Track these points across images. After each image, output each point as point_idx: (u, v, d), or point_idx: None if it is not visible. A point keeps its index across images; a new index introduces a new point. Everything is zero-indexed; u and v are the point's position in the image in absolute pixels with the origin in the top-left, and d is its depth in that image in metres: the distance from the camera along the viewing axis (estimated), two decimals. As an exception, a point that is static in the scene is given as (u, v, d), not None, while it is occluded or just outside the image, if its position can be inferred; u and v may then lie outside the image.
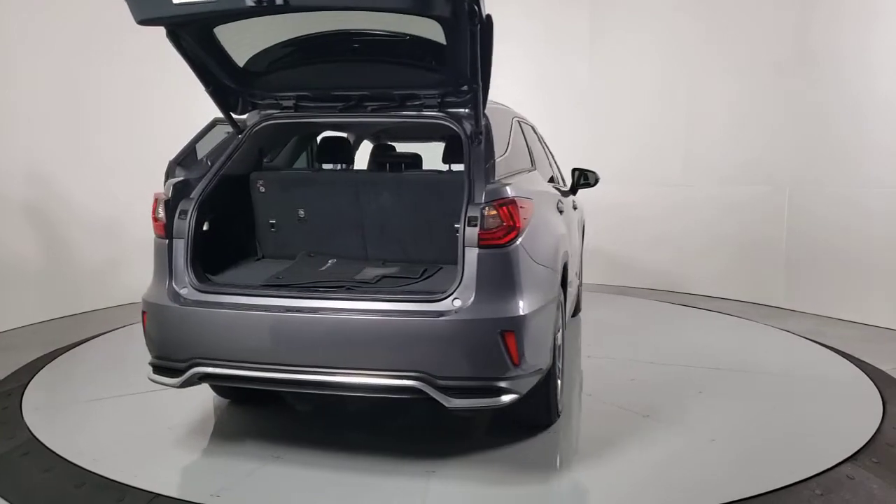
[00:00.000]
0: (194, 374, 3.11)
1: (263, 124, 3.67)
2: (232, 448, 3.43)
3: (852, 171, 6.12)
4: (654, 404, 3.99)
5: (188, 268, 3.21)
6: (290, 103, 3.65)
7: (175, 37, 3.10)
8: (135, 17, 2.86)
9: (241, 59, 3.43)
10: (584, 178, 4.97)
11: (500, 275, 2.95)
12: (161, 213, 3.30)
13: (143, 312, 3.28)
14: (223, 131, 5.09)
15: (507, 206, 3.00)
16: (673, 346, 5.40)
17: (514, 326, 2.90)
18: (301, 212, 3.79)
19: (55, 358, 4.96)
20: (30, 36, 6.11)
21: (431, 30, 3.02)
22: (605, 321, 6.08)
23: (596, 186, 5.15)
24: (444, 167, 4.11)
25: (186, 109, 6.28)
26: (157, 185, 5.02)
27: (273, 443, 3.43)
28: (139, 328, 5.72)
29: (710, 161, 7.28)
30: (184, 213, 3.28)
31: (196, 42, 3.19)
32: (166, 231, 3.27)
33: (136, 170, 6.42)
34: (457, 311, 2.91)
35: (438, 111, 3.51)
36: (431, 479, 3.07)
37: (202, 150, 4.87)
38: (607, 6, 7.99)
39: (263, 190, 3.80)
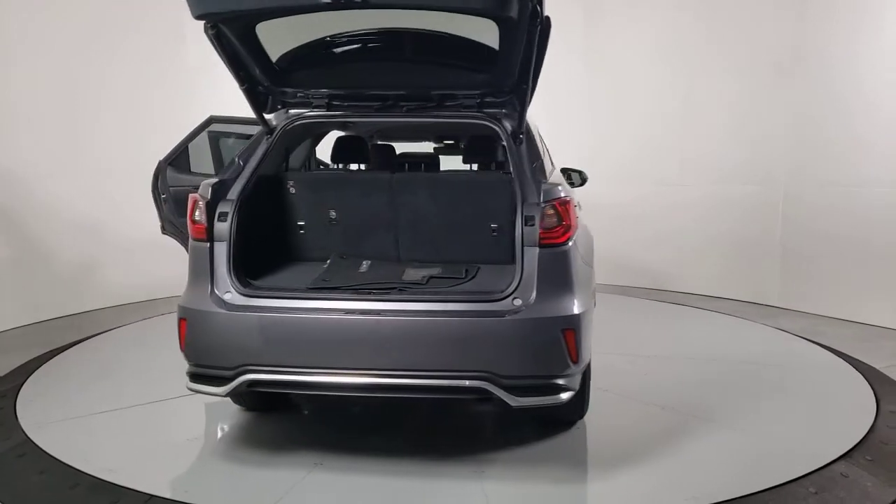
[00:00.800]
0: (244, 382, 2.98)
1: (295, 123, 3.58)
2: (268, 458, 3.32)
3: (848, 170, 6.12)
4: (666, 397, 4.07)
5: (231, 272, 3.07)
6: (322, 102, 3.55)
7: (217, 34, 2.96)
8: (193, 12, 2.74)
9: (275, 56, 3.32)
10: (568, 179, 4.99)
11: (559, 274, 2.99)
12: (201, 216, 3.15)
13: (182, 320, 3.10)
14: (207, 132, 5.03)
15: (565, 205, 3.06)
16: (669, 344, 5.40)
17: (574, 324, 2.93)
18: (333, 213, 3.70)
19: (49, 359, 4.95)
20: (29, 36, 6.11)
21: (485, 30, 2.95)
22: (599, 319, 6.07)
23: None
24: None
25: (184, 110, 6.31)
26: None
27: (308, 449, 3.36)
28: (132, 329, 5.83)
29: (706, 160, 7.28)
30: (224, 215, 3.14)
31: (237, 39, 3.06)
32: (207, 234, 3.12)
33: (131, 171, 6.43)
34: (517, 310, 2.91)
35: (477, 111, 3.50)
36: (484, 481, 3.07)
37: (193, 150, 4.86)
38: (602, 2, 7.99)
39: (294, 191, 3.71)
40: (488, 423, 3.87)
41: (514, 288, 2.95)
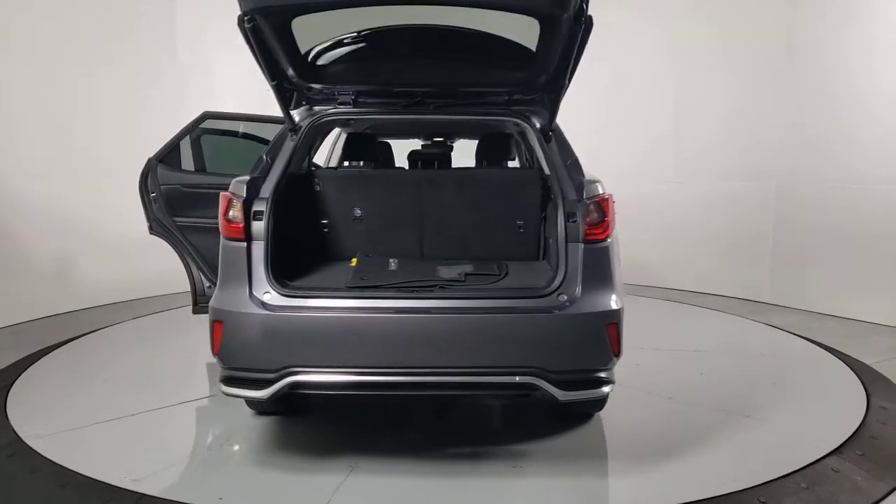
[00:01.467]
0: (288, 384, 2.90)
1: (323, 120, 3.51)
2: (300, 463, 3.23)
3: (840, 167, 6.16)
4: (659, 390, 4.15)
5: (269, 272, 2.99)
6: (348, 98, 3.49)
7: (253, 27, 2.86)
8: (244, 7, 2.70)
9: (304, 50, 3.25)
10: None
11: (601, 269, 3.05)
12: (237, 215, 3.05)
13: (217, 322, 2.97)
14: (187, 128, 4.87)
15: (606, 202, 3.13)
16: (662, 339, 5.41)
17: (617, 318, 3.00)
18: (358, 211, 3.64)
19: (40, 359, 4.90)
20: (17, 35, 6.05)
21: (522, 27, 2.96)
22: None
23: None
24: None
25: (174, 108, 6.28)
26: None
27: (338, 452, 3.29)
28: (124, 328, 5.78)
29: (701, 158, 7.29)
30: (259, 213, 3.06)
31: (273, 33, 2.96)
32: (245, 233, 3.03)
33: (121, 169, 6.38)
34: (563, 306, 2.96)
35: (505, 109, 3.53)
36: (524, 477, 3.10)
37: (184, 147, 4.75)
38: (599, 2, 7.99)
39: (319, 188, 3.64)
40: (508, 417, 3.89)
41: (558, 284, 2.99)
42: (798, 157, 6.51)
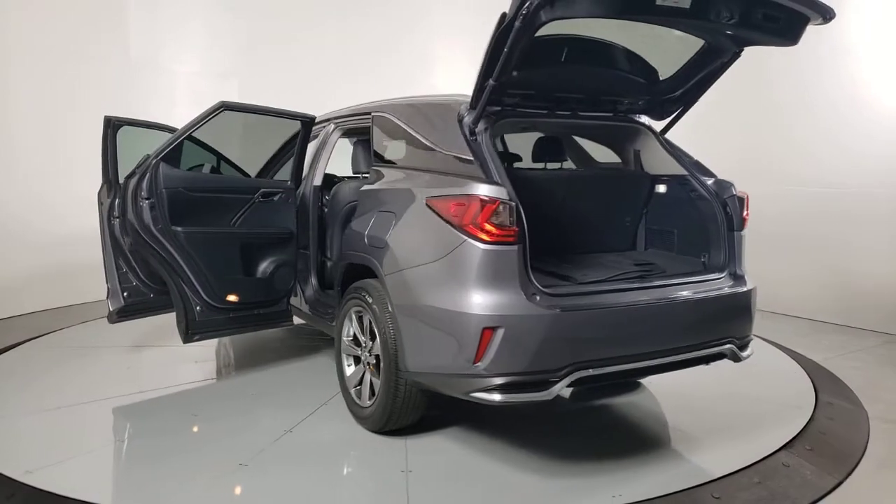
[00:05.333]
0: (573, 380, 2.96)
1: (505, 121, 3.50)
2: (544, 467, 3.23)
3: (787, 172, 6.39)
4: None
5: (530, 274, 3.01)
6: (512, 101, 3.53)
7: (515, 31, 2.83)
8: (546, 17, 2.78)
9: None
10: None
11: (743, 252, 3.60)
12: (510, 220, 2.96)
13: (490, 329, 2.89)
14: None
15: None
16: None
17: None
18: None
19: (-16, 365, 4.73)
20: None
21: (684, 48, 3.48)
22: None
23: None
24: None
25: (123, 109, 6.10)
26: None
27: (539, 458, 3.28)
28: (65, 334, 5.56)
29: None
30: (520, 216, 3.01)
31: (528, 34, 2.92)
32: (518, 237, 2.99)
33: (63, 168, 6.23)
34: (732, 284, 3.48)
35: (629, 114, 3.95)
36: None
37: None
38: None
39: None
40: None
41: (724, 266, 3.53)
42: (748, 162, 6.68)
